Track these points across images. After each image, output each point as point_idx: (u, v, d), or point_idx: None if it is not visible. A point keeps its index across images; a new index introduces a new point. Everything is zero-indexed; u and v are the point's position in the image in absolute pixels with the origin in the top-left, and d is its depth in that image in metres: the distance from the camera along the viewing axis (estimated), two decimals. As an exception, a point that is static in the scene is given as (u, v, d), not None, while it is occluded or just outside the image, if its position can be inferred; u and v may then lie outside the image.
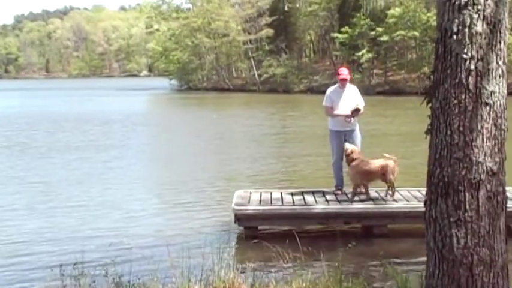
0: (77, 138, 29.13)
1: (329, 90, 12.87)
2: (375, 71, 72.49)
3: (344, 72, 12.60)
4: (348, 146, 12.02)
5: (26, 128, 34.55)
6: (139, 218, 13.31)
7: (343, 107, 12.50)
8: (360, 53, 68.74)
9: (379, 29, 66.40)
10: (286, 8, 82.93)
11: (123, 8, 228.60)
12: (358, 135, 12.67)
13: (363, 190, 11.93)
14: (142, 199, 15.56)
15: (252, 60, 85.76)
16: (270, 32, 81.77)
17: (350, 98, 12.54)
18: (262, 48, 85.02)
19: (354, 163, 11.78)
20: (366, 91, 60.97)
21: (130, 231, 12.02)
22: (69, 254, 10.02)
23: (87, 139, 28.63)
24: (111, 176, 18.76)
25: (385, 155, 11.88)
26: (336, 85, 12.77)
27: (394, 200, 11.83)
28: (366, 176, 11.77)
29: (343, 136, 12.57)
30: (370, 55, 69.28)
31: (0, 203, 15.01)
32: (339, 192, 12.49)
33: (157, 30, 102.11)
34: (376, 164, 11.78)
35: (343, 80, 12.52)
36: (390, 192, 11.91)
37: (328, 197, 12.19)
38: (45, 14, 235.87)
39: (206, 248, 9.53)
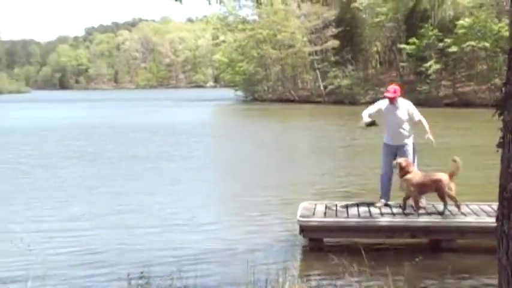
0: (146, 148, 29.54)
1: (382, 103, 12.66)
2: (443, 82, 71.21)
3: (391, 90, 12.43)
4: (402, 159, 11.92)
5: (96, 138, 35.27)
6: (206, 230, 13.33)
7: (396, 123, 12.40)
8: (427, 64, 67.67)
9: (448, 40, 65.22)
10: (352, 19, 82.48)
11: (190, 20, 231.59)
12: (409, 150, 12.48)
13: (414, 202, 11.74)
14: (208, 211, 15.61)
15: (317, 71, 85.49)
16: (335, 43, 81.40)
17: (402, 114, 12.39)
18: (327, 59, 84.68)
19: (407, 176, 11.64)
20: (433, 103, 60.22)
21: (197, 243, 12.05)
22: (137, 264, 10.15)
23: (156, 150, 28.99)
24: (179, 188, 18.90)
25: (455, 158, 11.59)
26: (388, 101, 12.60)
27: (462, 213, 11.58)
28: (420, 189, 11.61)
29: (394, 150, 12.49)
30: (438, 66, 68.12)
31: (70, 212, 15.32)
32: (381, 204, 12.37)
33: (223, 41, 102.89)
34: (430, 177, 11.64)
35: (391, 99, 12.38)
36: (455, 205, 11.67)
37: (394, 210, 12.02)
38: (114, 26, 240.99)
39: (271, 260, 9.54)
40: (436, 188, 11.52)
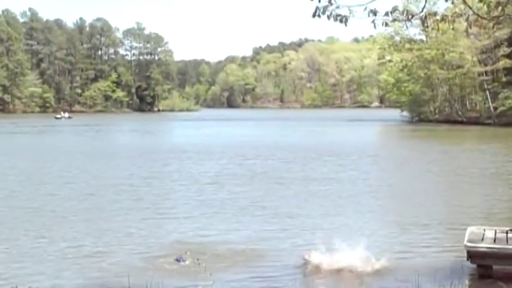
0: (315, 169, 29.70)
1: None
2: None
3: None
4: None
5: (265, 157, 35.92)
6: (367, 249, 13.22)
7: None
8: None
9: None
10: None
11: (356, 40, 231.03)
12: None
13: None
14: (372, 233, 15.49)
15: (487, 92, 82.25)
16: (508, 62, 77.98)
17: None
18: (498, 79, 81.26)
19: None
20: None
21: (356, 262, 12.03)
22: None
23: (325, 171, 29.08)
24: (349, 209, 18.96)
25: None
26: None
27: None
28: None
29: None
30: None
31: (246, 227, 15.78)
32: None
33: (390, 61, 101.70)
34: None
35: None
36: None
37: None
38: (281, 46, 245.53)
39: (436, 284, 9.30)
40: None
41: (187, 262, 12.43)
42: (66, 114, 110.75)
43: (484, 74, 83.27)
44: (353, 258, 12.06)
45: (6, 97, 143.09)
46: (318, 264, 11.94)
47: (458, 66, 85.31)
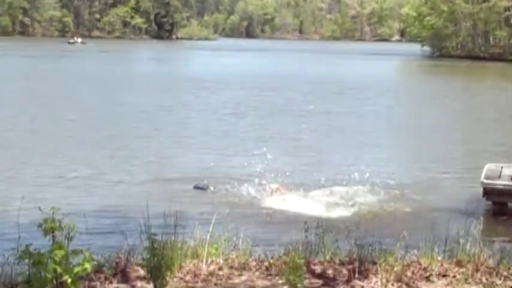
0: (336, 103, 29.65)
1: None
2: None
3: None
4: None
5: (283, 89, 35.77)
6: (386, 185, 13.33)
7: None
8: None
9: None
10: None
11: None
12: None
13: None
14: (391, 169, 15.60)
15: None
16: (535, -3, 76.37)
17: None
18: (525, 15, 79.76)
19: None
20: None
21: (374, 198, 12.18)
22: (314, 211, 10.48)
23: (346, 104, 29.04)
24: (368, 144, 19.01)
25: None
26: None
27: None
28: None
29: None
30: None
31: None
32: None
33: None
34: None
35: None
36: None
37: None
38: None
39: (451, 220, 9.39)
40: None
41: (206, 190, 12.61)
42: (79, 40, 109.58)
43: (510, 9, 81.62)
44: (369, 196, 12.24)
45: (26, 20, 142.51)
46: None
47: (484, 0, 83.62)
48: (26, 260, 4.78)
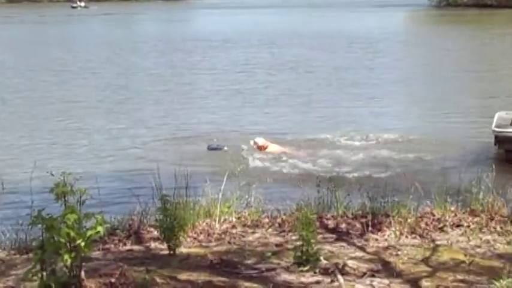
0: (345, 57, 29.38)
1: None
2: None
3: None
4: None
5: (292, 45, 35.42)
6: (396, 137, 13.31)
7: None
8: None
9: None
10: None
11: None
12: None
13: None
14: (402, 120, 15.57)
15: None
16: None
17: None
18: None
19: None
20: None
21: (385, 150, 12.18)
22: (326, 167, 10.47)
23: (356, 58, 28.75)
24: (381, 97, 19.01)
25: None
26: None
27: None
28: None
29: None
30: None
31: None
32: None
33: None
34: None
35: None
36: None
37: None
38: None
39: (463, 168, 9.37)
40: None
41: (218, 150, 12.60)
42: (82, 3, 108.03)
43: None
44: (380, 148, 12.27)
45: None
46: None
47: None
48: (39, 225, 4.79)
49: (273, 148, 12.42)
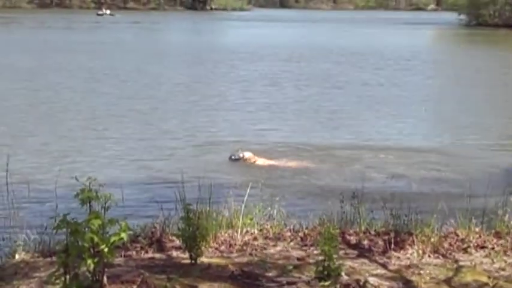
0: (374, 73, 29.34)
1: None
2: None
3: None
4: None
5: (318, 59, 35.50)
6: (423, 155, 13.26)
7: None
8: None
9: None
10: None
11: None
12: None
13: None
14: (429, 139, 15.52)
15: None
16: None
17: None
18: None
19: None
20: None
21: (410, 167, 12.12)
22: (351, 182, 10.43)
23: (384, 75, 28.71)
24: (408, 115, 18.99)
25: None
26: None
27: None
28: None
29: None
30: None
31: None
32: None
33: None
34: None
35: None
36: None
37: None
38: None
39: (489, 190, 9.28)
40: None
41: (241, 161, 12.62)
42: (108, 11, 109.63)
43: (549, -24, 79.76)
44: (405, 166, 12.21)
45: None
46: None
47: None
48: (64, 229, 4.82)
49: (261, 162, 12.49)
